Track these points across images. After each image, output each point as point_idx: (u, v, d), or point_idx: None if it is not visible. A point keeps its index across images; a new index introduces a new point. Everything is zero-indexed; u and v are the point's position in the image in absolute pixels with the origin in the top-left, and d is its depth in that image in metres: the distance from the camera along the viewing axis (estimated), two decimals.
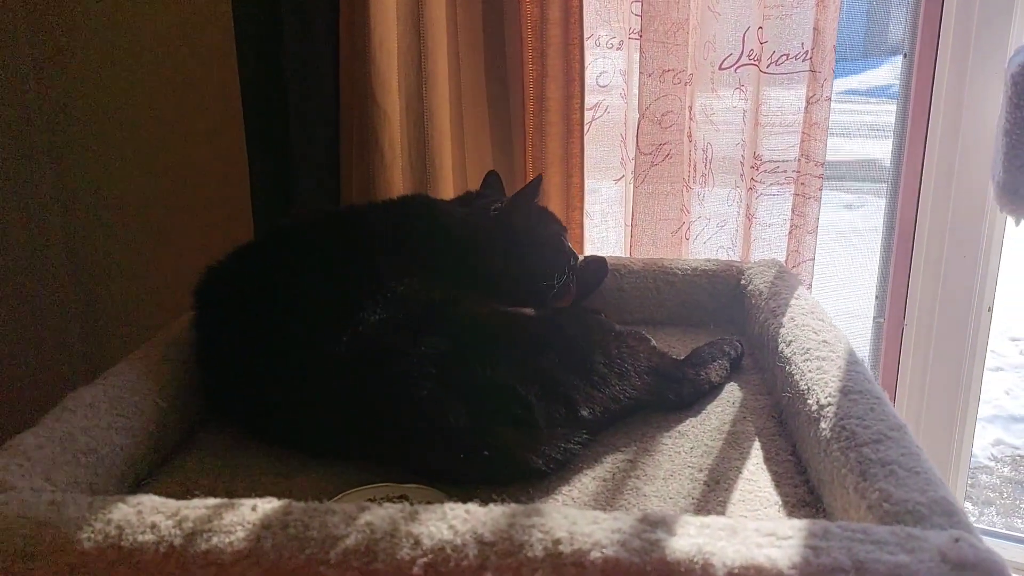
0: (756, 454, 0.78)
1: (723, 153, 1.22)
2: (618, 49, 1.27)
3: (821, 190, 1.13)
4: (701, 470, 0.76)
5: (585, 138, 1.28)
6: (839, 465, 0.65)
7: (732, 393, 0.91)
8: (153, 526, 0.53)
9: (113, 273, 1.55)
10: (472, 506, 0.55)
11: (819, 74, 1.08)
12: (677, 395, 0.86)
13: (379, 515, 0.54)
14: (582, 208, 1.28)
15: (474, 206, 1.01)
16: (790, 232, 1.15)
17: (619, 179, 1.31)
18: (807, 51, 1.09)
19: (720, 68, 1.18)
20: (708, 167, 1.23)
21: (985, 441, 1.98)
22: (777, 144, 1.14)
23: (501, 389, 0.74)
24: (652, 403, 0.85)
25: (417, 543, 0.52)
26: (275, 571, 0.52)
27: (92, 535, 0.53)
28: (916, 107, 1.16)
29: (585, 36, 1.25)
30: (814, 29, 1.08)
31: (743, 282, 1.06)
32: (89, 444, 0.67)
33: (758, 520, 0.53)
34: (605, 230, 1.34)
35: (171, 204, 1.51)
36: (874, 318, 1.36)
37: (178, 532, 0.53)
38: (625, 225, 1.28)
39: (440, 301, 0.81)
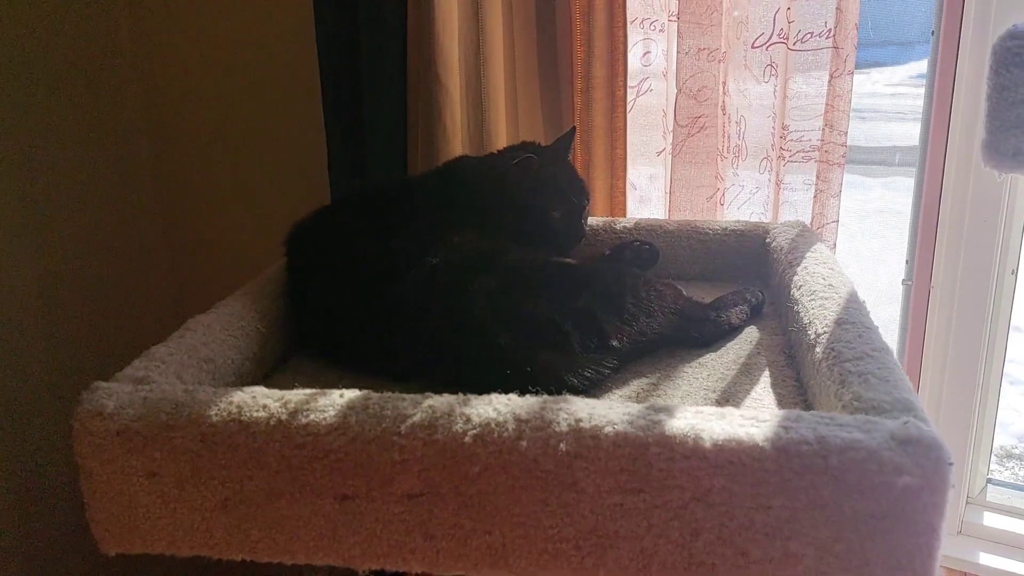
0: (765, 380, 0.90)
1: (756, 125, 1.32)
2: (661, 31, 1.38)
3: (845, 156, 1.23)
4: (714, 392, 0.88)
5: (630, 114, 1.40)
6: (825, 379, 0.76)
7: (750, 334, 1.02)
8: (264, 406, 0.69)
9: (207, 236, 1.74)
10: (513, 395, 0.68)
11: (842, 50, 1.18)
12: (699, 333, 0.98)
13: (440, 400, 0.68)
14: (625, 177, 1.40)
15: (489, 167, 1.14)
16: (815, 196, 1.25)
17: (661, 151, 1.43)
18: (830, 29, 1.19)
19: (752, 47, 1.29)
20: (742, 138, 1.34)
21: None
22: (803, 115, 1.24)
23: (542, 319, 0.88)
24: (677, 340, 0.98)
25: (468, 420, 0.66)
26: (358, 440, 0.66)
27: (218, 412, 0.68)
28: (941, 87, 1.26)
29: (631, 19, 1.36)
30: (836, 8, 1.18)
31: (768, 240, 1.17)
32: (208, 355, 0.82)
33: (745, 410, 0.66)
34: (649, 198, 1.46)
35: (259, 176, 1.69)
36: (903, 280, 1.45)
37: (284, 411, 0.68)
38: (665, 193, 1.40)
39: (491, 248, 0.95)
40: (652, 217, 1.33)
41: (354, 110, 1.47)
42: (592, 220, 1.27)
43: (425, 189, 1.09)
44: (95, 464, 0.70)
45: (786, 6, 1.23)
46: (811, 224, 1.26)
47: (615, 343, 0.91)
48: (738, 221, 1.24)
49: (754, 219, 1.35)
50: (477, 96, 1.37)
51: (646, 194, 1.47)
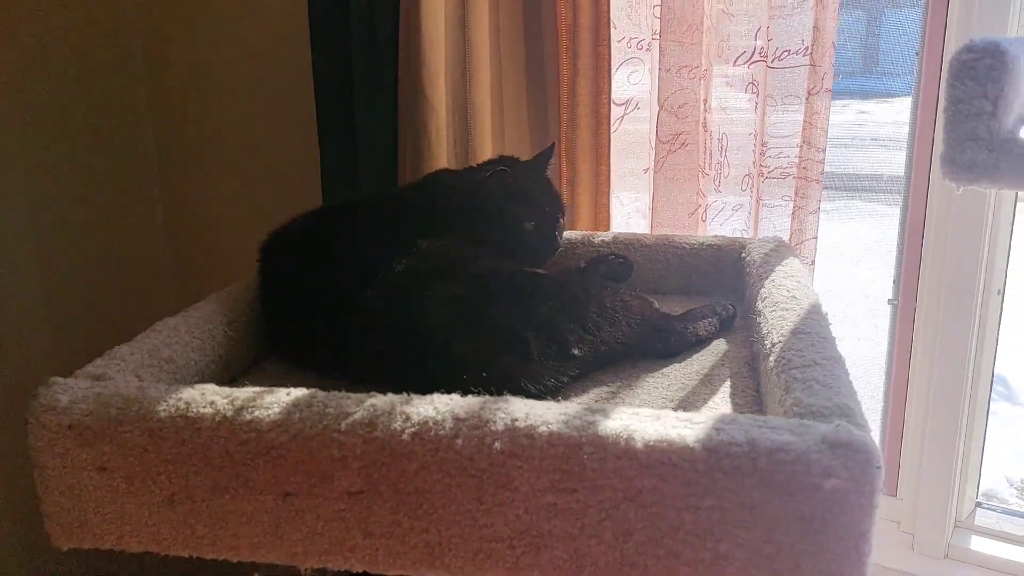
0: (725, 391, 0.90)
1: (737, 143, 1.33)
2: (647, 50, 1.40)
3: (822, 174, 1.23)
4: (672, 401, 0.88)
5: (618, 133, 1.42)
6: (774, 386, 0.77)
7: (718, 346, 1.03)
8: (212, 403, 0.70)
9: (208, 241, 1.77)
10: (455, 395, 0.69)
11: (819, 68, 1.19)
12: (664, 344, 0.99)
13: (382, 399, 0.69)
14: (608, 194, 1.42)
15: (480, 170, 1.15)
16: (793, 213, 1.26)
17: (647, 169, 1.44)
18: (807, 47, 1.20)
19: (734, 64, 1.30)
20: (724, 156, 1.35)
21: None
22: (781, 131, 1.25)
23: (502, 327, 0.89)
24: (641, 350, 0.98)
25: (408, 418, 0.67)
26: (299, 437, 0.67)
27: (166, 408, 0.70)
28: (924, 108, 1.27)
29: (619, 39, 1.39)
30: (814, 27, 1.19)
31: (743, 255, 1.17)
32: (169, 355, 0.84)
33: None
34: (634, 214, 1.47)
35: (255, 186, 1.72)
36: (889, 300, 1.45)
37: (230, 407, 0.69)
38: (649, 208, 1.41)
39: (458, 256, 0.96)
40: (631, 231, 1.34)
41: (347, 123, 1.49)
42: (571, 234, 1.28)
43: (402, 201, 1.11)
44: (48, 458, 0.72)
45: (766, 24, 1.24)
46: (790, 241, 1.26)
47: (576, 352, 0.91)
48: (715, 236, 1.25)
49: (737, 235, 1.36)
50: (463, 111, 1.39)
51: (634, 212, 1.48)
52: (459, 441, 0.65)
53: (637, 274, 1.23)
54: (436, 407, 0.67)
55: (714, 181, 1.36)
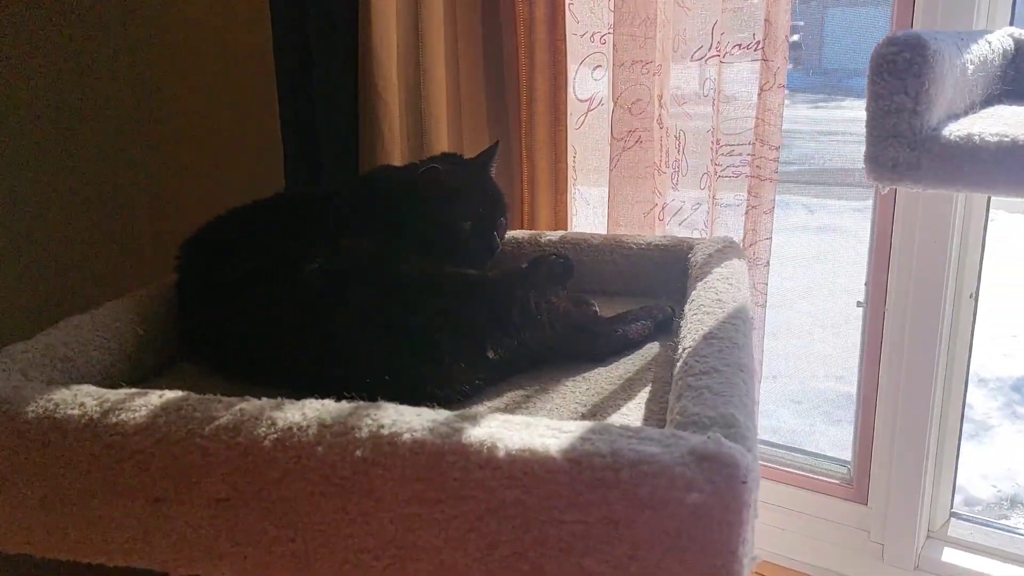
0: (643, 396, 0.87)
1: (695, 139, 1.30)
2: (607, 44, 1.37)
3: (776, 172, 1.19)
4: (585, 406, 0.85)
5: (581, 129, 1.39)
6: (672, 393, 0.73)
7: (650, 350, 0.99)
8: (81, 404, 0.68)
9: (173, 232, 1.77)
10: (329, 402, 0.67)
11: (771, 63, 1.15)
12: (590, 347, 0.96)
13: (253, 404, 0.67)
14: (567, 191, 1.39)
15: (403, 178, 1.12)
16: (746, 212, 1.22)
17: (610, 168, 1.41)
18: (759, 41, 1.16)
19: (692, 59, 1.27)
20: (682, 152, 1.31)
21: None
22: (734, 128, 1.21)
23: (412, 330, 0.86)
24: (568, 353, 0.95)
25: (273, 424, 0.64)
26: (164, 441, 0.66)
27: (35, 408, 0.68)
28: None
29: (581, 32, 1.36)
30: (765, 21, 1.15)
31: (690, 256, 1.14)
32: (66, 354, 0.83)
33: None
34: (596, 213, 1.44)
35: (215, 180, 1.72)
36: (858, 302, 1.41)
37: (98, 409, 0.68)
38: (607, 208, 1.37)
39: (374, 256, 0.94)
40: (579, 231, 1.31)
41: (308, 120, 1.48)
42: (518, 233, 1.26)
43: (332, 198, 1.08)
44: None
45: (719, 18, 1.20)
46: (744, 241, 1.22)
47: (491, 355, 0.89)
48: (664, 236, 1.22)
49: (696, 235, 1.32)
50: (418, 108, 1.37)
51: (601, 209, 1.45)
52: (320, 448, 0.62)
53: (584, 275, 1.20)
54: (304, 413, 0.65)
55: (671, 179, 1.32)
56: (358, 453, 0.62)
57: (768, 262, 1.23)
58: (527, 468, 0.59)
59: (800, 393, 1.89)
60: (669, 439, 0.59)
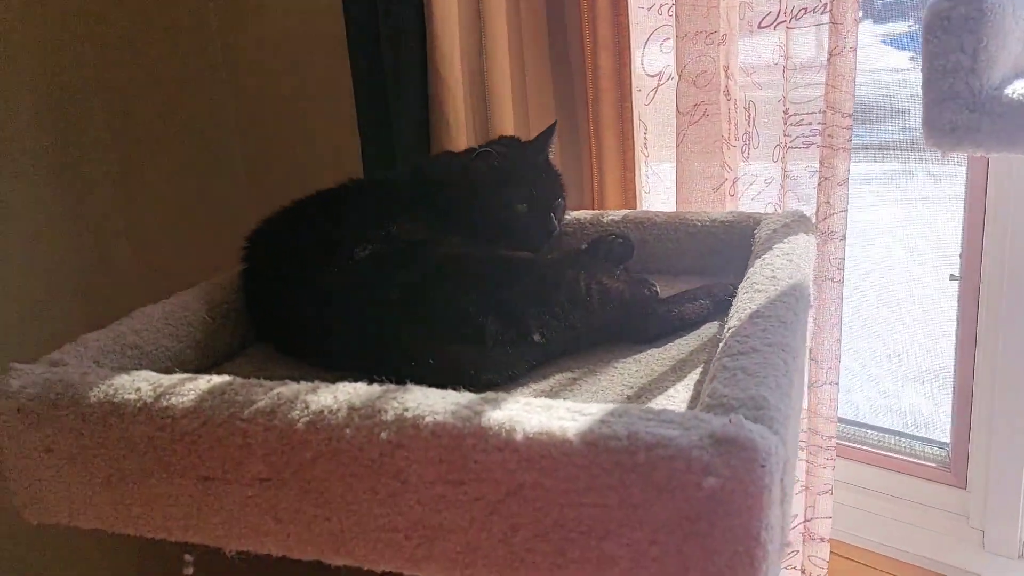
0: (692, 377, 0.85)
1: (765, 110, 1.25)
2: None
3: (850, 141, 1.13)
4: (632, 388, 0.84)
5: (651, 105, 1.36)
6: (708, 374, 0.72)
7: (707, 330, 0.97)
8: (137, 389, 0.72)
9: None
10: (361, 385, 0.69)
11: (841, 26, 1.09)
12: (643, 328, 0.94)
13: (291, 387, 0.69)
14: (635, 169, 1.36)
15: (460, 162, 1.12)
16: (819, 184, 1.17)
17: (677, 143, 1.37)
18: (825, 3, 1.10)
19: (759, 27, 1.22)
20: (752, 125, 1.26)
21: None
22: (804, 96, 1.16)
23: (456, 312, 0.87)
24: (617, 334, 0.94)
25: (306, 407, 0.67)
26: (209, 424, 0.69)
27: (97, 393, 0.73)
28: None
29: (647, 6, 1.33)
30: None
31: (756, 232, 1.10)
32: (136, 342, 0.88)
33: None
34: (670, 191, 1.41)
35: (301, 169, 1.78)
36: (952, 276, 1.33)
37: (152, 394, 0.72)
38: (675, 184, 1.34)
39: (423, 240, 0.95)
40: (642, 210, 1.29)
41: (382, 111, 1.50)
42: (580, 213, 1.24)
43: (392, 184, 1.10)
44: (4, 438, 0.77)
45: None
46: (816, 214, 1.17)
47: (538, 337, 0.88)
48: (730, 212, 1.18)
49: (770, 209, 1.27)
50: (482, 91, 1.37)
51: (672, 188, 1.42)
52: (349, 431, 0.64)
53: (648, 254, 1.18)
54: (336, 396, 0.67)
55: (742, 152, 1.28)
56: (383, 435, 0.63)
57: (844, 236, 1.17)
58: (544, 451, 0.59)
59: (889, 372, 1.80)
60: (690, 421, 0.58)
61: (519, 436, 0.60)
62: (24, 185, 1.44)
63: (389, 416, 0.64)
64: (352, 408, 0.65)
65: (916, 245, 1.69)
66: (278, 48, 1.74)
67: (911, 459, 1.44)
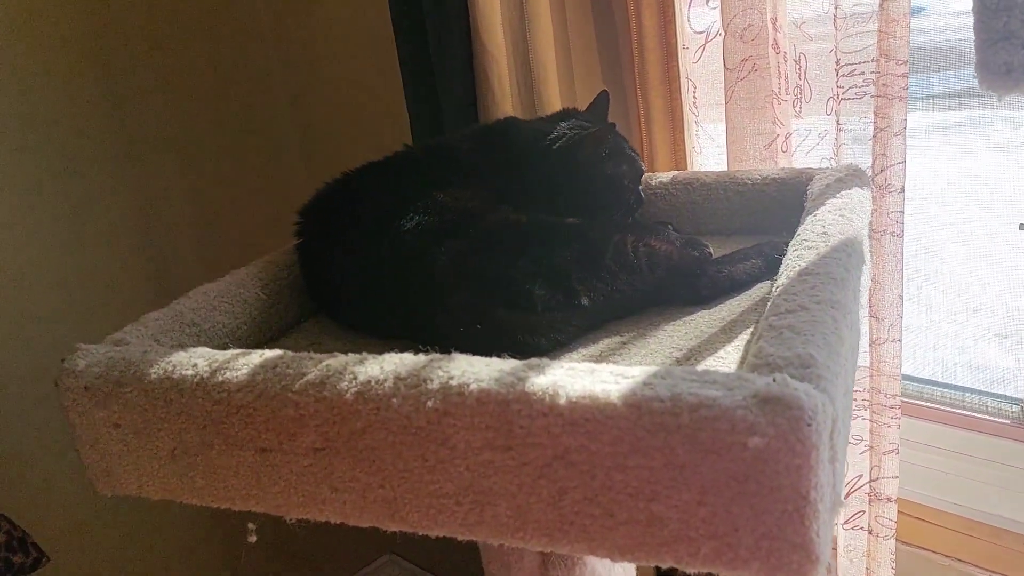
0: (742, 338, 0.84)
1: (817, 62, 1.21)
2: None
3: (906, 89, 1.09)
4: (681, 350, 0.83)
5: (699, 62, 1.33)
6: (755, 334, 0.70)
7: (760, 289, 0.95)
8: (194, 365, 0.75)
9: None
10: (407, 355, 0.70)
11: None
12: (693, 290, 0.93)
13: (339, 359, 0.71)
14: (684, 130, 1.34)
15: (542, 136, 1.11)
16: (874, 136, 1.12)
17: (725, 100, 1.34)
18: None
19: None
20: (803, 78, 1.23)
21: None
22: (855, 45, 1.12)
23: (503, 279, 0.87)
24: (666, 297, 0.93)
25: (354, 378, 0.68)
26: (262, 397, 0.71)
27: (157, 369, 0.75)
28: None
29: None
30: None
31: (809, 188, 1.07)
32: (193, 319, 0.91)
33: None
34: (722, 150, 1.38)
35: (347, 142, 1.80)
36: (1020, 225, 1.28)
37: (208, 369, 0.74)
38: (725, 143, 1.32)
39: (472, 209, 0.95)
40: (691, 171, 1.26)
41: (428, 82, 1.50)
42: None
43: (453, 152, 1.10)
44: (74, 416, 0.80)
45: None
46: (873, 167, 1.13)
47: (585, 301, 0.88)
48: (782, 169, 1.15)
49: (824, 164, 1.24)
50: (525, 57, 1.36)
51: (721, 147, 1.39)
52: (396, 400, 0.65)
53: (698, 215, 1.16)
54: (383, 366, 0.68)
55: (794, 107, 1.24)
56: (430, 404, 0.64)
57: (903, 188, 1.13)
58: (588, 415, 0.59)
59: (957, 329, 1.73)
60: (734, 382, 0.57)
61: (563, 400, 0.60)
62: (95, 178, 1.50)
63: (434, 385, 0.65)
64: (398, 378, 0.66)
65: (992, 195, 1.62)
66: (327, 26, 1.75)
67: (985, 416, 1.39)
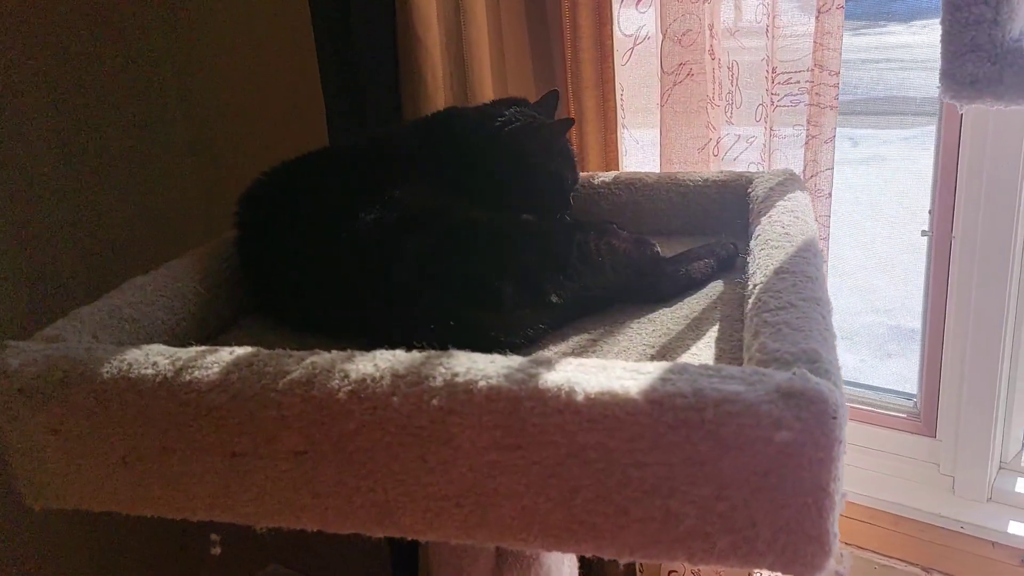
0: (711, 335, 0.85)
1: (749, 70, 1.25)
2: None
3: (837, 99, 1.14)
4: (653, 347, 0.84)
5: (628, 65, 1.34)
6: (747, 331, 0.71)
7: (715, 288, 0.97)
8: (154, 364, 0.68)
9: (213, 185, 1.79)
10: (400, 352, 0.66)
11: None
12: (653, 288, 0.94)
13: (324, 356, 0.67)
14: (617, 131, 1.35)
15: (491, 119, 1.09)
16: (806, 142, 1.18)
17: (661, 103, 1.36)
18: None
19: None
20: (735, 85, 1.26)
21: None
22: (791, 55, 1.16)
23: (472, 277, 0.85)
24: (629, 295, 0.93)
25: (346, 376, 0.64)
26: (239, 397, 0.65)
27: (110, 369, 0.69)
28: None
29: None
30: None
31: (750, 191, 1.10)
32: (132, 315, 0.83)
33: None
34: (652, 150, 1.40)
35: (260, 135, 1.72)
36: (923, 231, 1.37)
37: (171, 368, 0.68)
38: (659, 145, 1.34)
39: (433, 206, 0.92)
40: (633, 171, 1.28)
41: (349, 72, 1.45)
42: None
43: (389, 142, 1.06)
44: (4, 420, 0.72)
45: None
46: (804, 172, 1.18)
47: (554, 299, 0.87)
48: (721, 172, 1.18)
49: (752, 169, 1.28)
50: (459, 51, 1.34)
51: (651, 148, 1.41)
52: (396, 399, 0.62)
53: (641, 215, 1.17)
54: (376, 364, 0.64)
55: (725, 112, 1.28)
56: (434, 402, 0.61)
57: (830, 194, 1.19)
58: (607, 411, 0.58)
59: (852, 328, 1.84)
60: (752, 377, 0.58)
61: (580, 397, 0.58)
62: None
63: (438, 382, 0.62)
64: (396, 375, 0.63)
65: (888, 202, 1.74)
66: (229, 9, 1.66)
67: (882, 411, 1.48)
